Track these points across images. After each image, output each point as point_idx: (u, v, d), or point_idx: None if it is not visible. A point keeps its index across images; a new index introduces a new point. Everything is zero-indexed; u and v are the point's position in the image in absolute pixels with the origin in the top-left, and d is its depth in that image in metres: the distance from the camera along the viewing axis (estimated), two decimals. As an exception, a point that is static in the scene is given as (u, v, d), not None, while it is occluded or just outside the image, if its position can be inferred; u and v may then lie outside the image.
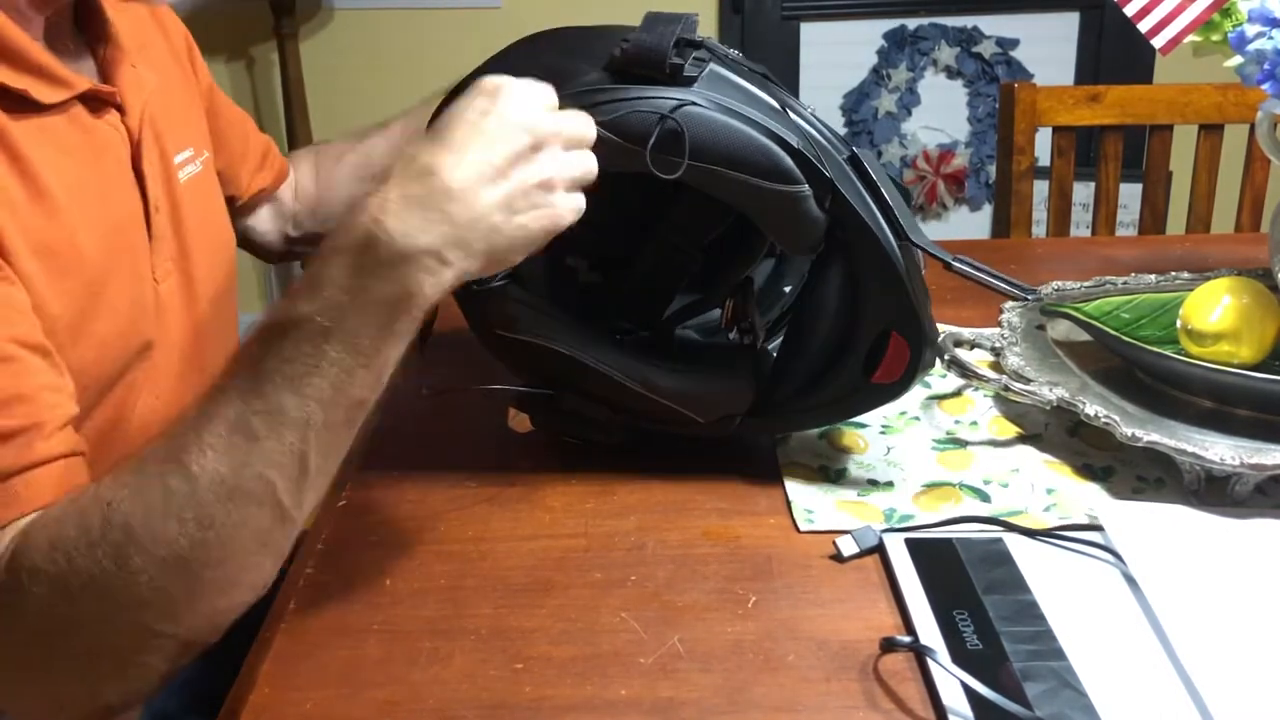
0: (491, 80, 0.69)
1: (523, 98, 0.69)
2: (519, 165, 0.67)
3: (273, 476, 0.64)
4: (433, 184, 0.64)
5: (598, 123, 0.76)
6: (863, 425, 0.93)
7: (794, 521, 0.81)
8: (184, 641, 0.65)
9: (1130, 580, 0.74)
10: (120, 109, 0.84)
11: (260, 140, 1.13)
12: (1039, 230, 1.81)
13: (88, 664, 0.64)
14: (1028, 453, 0.89)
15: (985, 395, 0.97)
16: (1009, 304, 1.03)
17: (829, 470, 0.87)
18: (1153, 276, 1.09)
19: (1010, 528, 0.79)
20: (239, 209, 1.11)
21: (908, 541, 0.77)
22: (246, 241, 1.14)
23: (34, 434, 0.66)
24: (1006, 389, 0.90)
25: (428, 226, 0.64)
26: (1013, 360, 0.94)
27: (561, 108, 0.76)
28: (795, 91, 2.74)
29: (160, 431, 0.66)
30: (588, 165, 0.72)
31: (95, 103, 0.81)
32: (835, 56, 2.81)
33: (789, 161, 0.76)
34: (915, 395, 0.98)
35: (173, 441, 0.64)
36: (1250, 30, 0.90)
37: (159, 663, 0.65)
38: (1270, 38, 0.88)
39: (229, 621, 0.66)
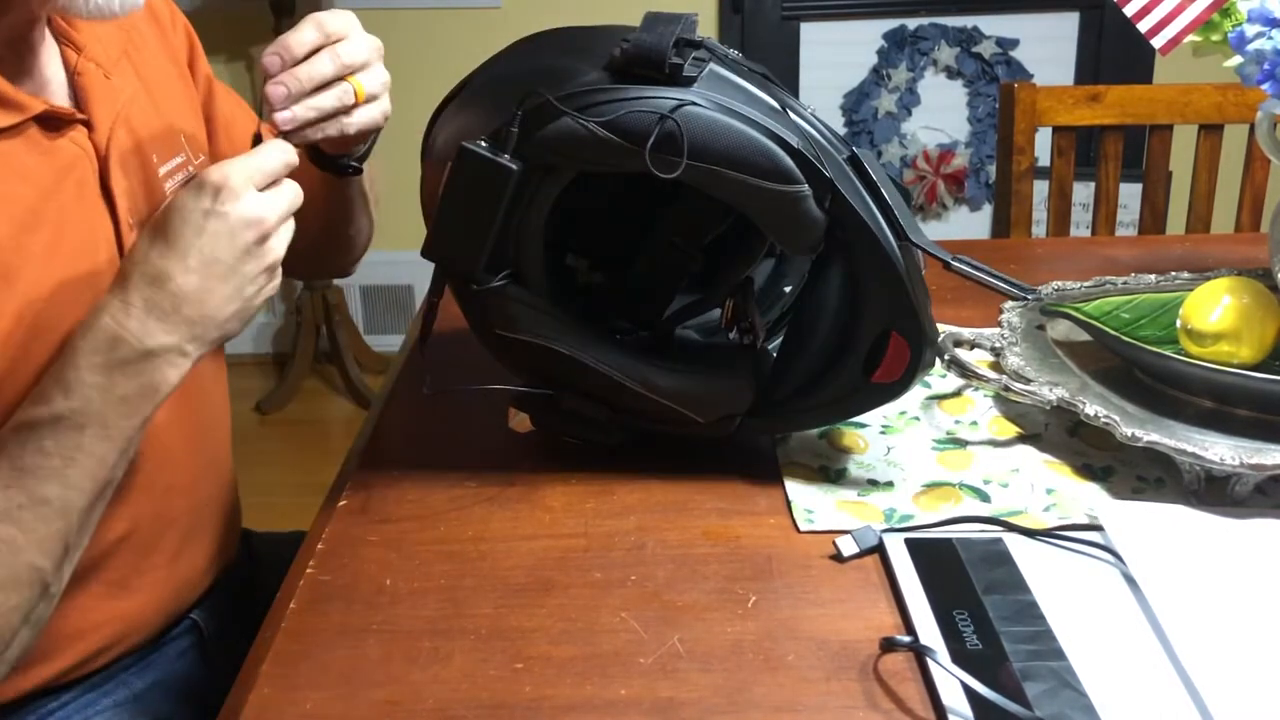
0: (215, 175, 0.71)
1: (244, 195, 0.72)
2: (247, 260, 0.72)
3: (41, 563, 0.69)
4: (167, 289, 0.70)
5: (598, 123, 0.76)
6: (863, 425, 0.93)
7: (794, 521, 0.81)
8: None
9: (1130, 580, 0.74)
10: (88, 124, 0.81)
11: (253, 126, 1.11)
12: (1039, 230, 1.81)
13: None
14: (1028, 453, 0.89)
15: (985, 395, 0.97)
16: (1009, 304, 1.03)
17: (829, 470, 0.87)
18: (1153, 276, 1.09)
19: (1010, 528, 0.79)
20: None
21: (908, 541, 0.77)
22: None
23: None
24: (1006, 389, 0.90)
25: (167, 328, 0.71)
26: (1013, 360, 0.94)
27: (561, 107, 0.76)
28: (795, 91, 2.75)
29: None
30: (296, 204, 0.77)
31: (55, 122, 0.79)
32: (835, 56, 2.81)
33: (789, 161, 0.76)
34: (915, 395, 0.98)
35: None
36: (1250, 30, 0.90)
37: None
38: (1270, 38, 0.88)
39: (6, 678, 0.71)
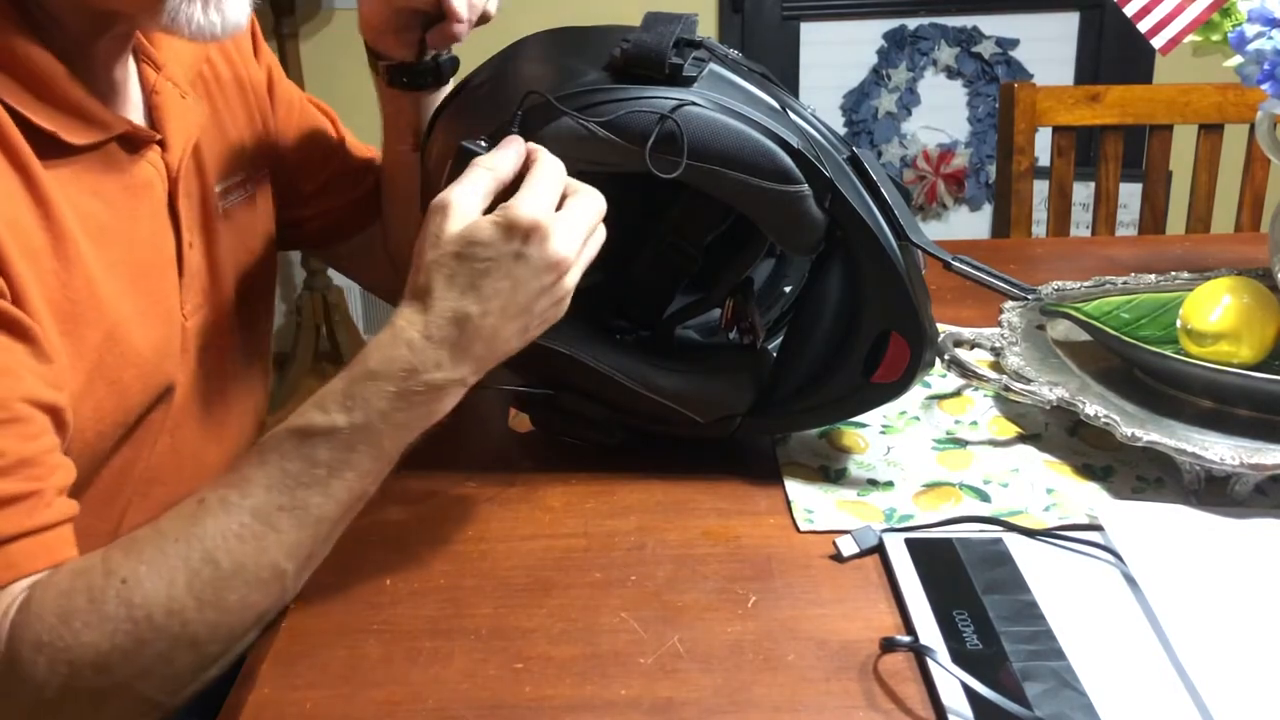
0: (526, 216, 0.68)
1: (553, 235, 0.69)
2: (542, 298, 0.71)
3: (286, 566, 0.69)
4: (467, 329, 0.69)
5: (598, 123, 0.76)
6: (863, 425, 0.93)
7: (794, 521, 0.81)
8: (172, 706, 0.69)
9: (1130, 580, 0.74)
10: (163, 144, 0.82)
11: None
12: (1039, 230, 1.81)
13: None
14: (1028, 453, 0.89)
15: (985, 395, 0.97)
16: (1009, 304, 1.03)
17: (829, 470, 0.87)
18: (1153, 276, 1.09)
19: (1010, 528, 0.79)
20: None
21: (908, 541, 0.77)
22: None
23: (37, 499, 0.67)
24: (1006, 389, 0.90)
25: (459, 363, 0.70)
26: (1013, 360, 0.94)
27: (561, 107, 0.76)
28: (795, 91, 2.74)
29: (175, 510, 0.69)
30: (600, 243, 0.74)
31: (134, 141, 0.79)
32: (835, 56, 2.81)
33: (789, 161, 0.76)
34: (915, 395, 0.98)
35: (195, 525, 0.67)
36: (1250, 30, 0.90)
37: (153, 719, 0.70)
38: (1270, 38, 0.88)
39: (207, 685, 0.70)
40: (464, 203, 0.70)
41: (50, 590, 0.66)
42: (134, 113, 0.82)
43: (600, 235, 0.74)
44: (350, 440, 0.68)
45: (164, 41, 0.85)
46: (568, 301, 0.73)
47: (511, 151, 0.73)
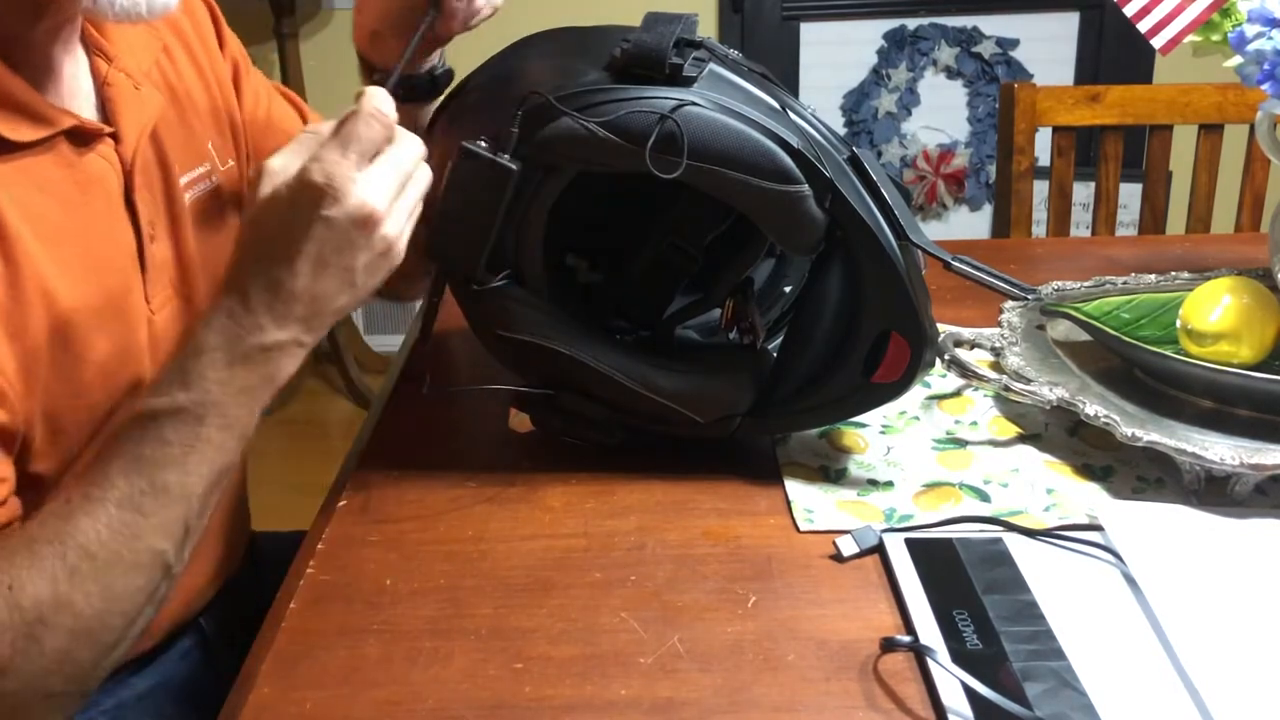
0: (317, 175, 0.69)
1: (348, 194, 0.69)
2: (358, 254, 0.71)
3: (162, 546, 0.70)
4: (281, 293, 0.70)
5: (598, 123, 0.76)
6: (863, 425, 0.93)
7: (794, 521, 0.81)
8: (81, 694, 0.70)
9: (1130, 580, 0.74)
10: (115, 137, 0.80)
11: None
12: (1039, 230, 1.81)
13: None
14: (1028, 453, 0.89)
15: (985, 395, 0.97)
16: (1009, 304, 1.03)
17: (829, 470, 0.87)
18: (1153, 276, 1.09)
19: (1010, 528, 0.79)
20: None
21: (908, 541, 0.77)
22: None
23: None
24: (1006, 389, 0.90)
25: (284, 325, 0.71)
26: (1013, 360, 0.94)
27: (561, 107, 0.76)
28: (795, 91, 2.74)
29: (45, 510, 0.69)
30: (423, 188, 0.75)
31: (84, 136, 0.78)
32: (835, 56, 2.81)
33: (788, 161, 0.76)
34: (915, 395, 0.98)
35: (65, 524, 0.68)
36: (1250, 30, 0.90)
37: (58, 717, 0.71)
38: (1270, 38, 0.88)
39: (115, 667, 0.72)
40: (273, 168, 0.71)
41: None
42: (84, 106, 0.80)
43: (421, 180, 0.74)
44: (196, 415, 0.69)
45: (115, 33, 0.84)
46: (399, 249, 0.73)
47: (337, 116, 0.73)
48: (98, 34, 0.83)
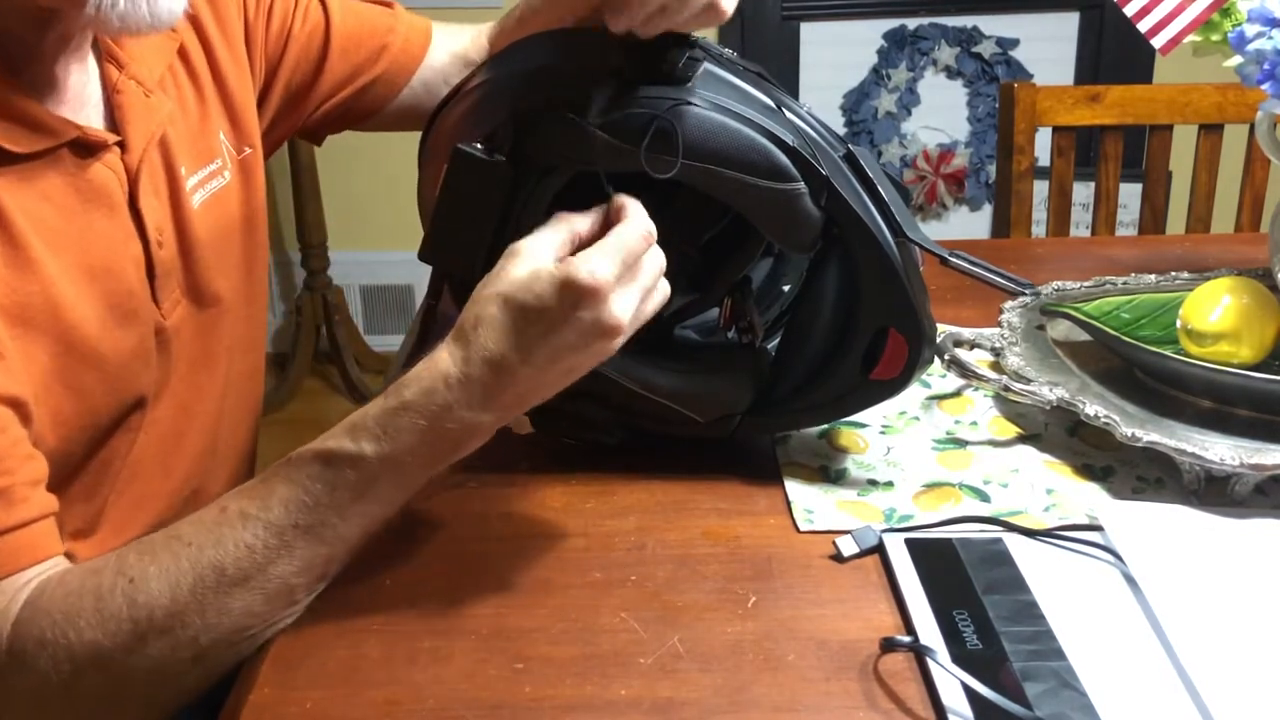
0: (585, 277, 0.66)
1: (608, 301, 0.67)
2: (588, 359, 0.70)
3: (297, 582, 0.70)
4: (502, 378, 0.68)
5: (594, 124, 0.76)
6: (863, 425, 0.93)
7: (794, 521, 0.81)
8: (173, 707, 0.70)
9: (1130, 580, 0.74)
10: (123, 145, 0.80)
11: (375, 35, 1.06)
12: (1039, 230, 1.81)
13: None
14: (1028, 453, 0.89)
15: (985, 395, 0.97)
16: (1009, 304, 1.03)
17: (829, 470, 0.87)
18: (1153, 276, 1.09)
19: (1010, 528, 0.79)
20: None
21: (908, 541, 0.77)
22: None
23: (9, 496, 0.67)
24: (1006, 389, 0.90)
25: (488, 406, 0.69)
26: (1013, 360, 0.94)
27: (555, 107, 0.76)
28: (795, 92, 2.75)
29: (197, 515, 0.69)
30: (655, 307, 0.72)
31: (89, 146, 0.78)
32: (835, 56, 2.81)
33: (784, 159, 0.76)
34: (915, 395, 0.98)
35: (209, 532, 0.68)
36: (1250, 30, 0.90)
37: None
38: (1270, 38, 0.88)
39: (209, 687, 0.71)
40: (534, 250, 0.70)
41: (60, 589, 0.67)
42: (92, 115, 0.80)
43: (659, 296, 0.72)
44: (376, 470, 0.69)
45: (128, 40, 0.83)
46: (605, 358, 0.72)
47: (597, 212, 0.73)
48: (111, 41, 0.82)
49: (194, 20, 0.91)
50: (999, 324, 1.01)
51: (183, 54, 0.90)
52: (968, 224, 2.91)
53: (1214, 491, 0.82)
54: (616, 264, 0.68)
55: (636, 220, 0.71)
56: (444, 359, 0.69)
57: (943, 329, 0.94)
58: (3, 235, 0.71)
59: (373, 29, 1.05)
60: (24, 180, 0.73)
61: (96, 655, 0.65)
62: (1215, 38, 0.99)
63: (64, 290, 0.75)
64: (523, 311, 0.68)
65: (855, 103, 2.84)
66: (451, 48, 1.09)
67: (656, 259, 0.72)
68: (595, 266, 0.67)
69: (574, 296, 0.67)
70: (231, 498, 0.70)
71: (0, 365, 0.69)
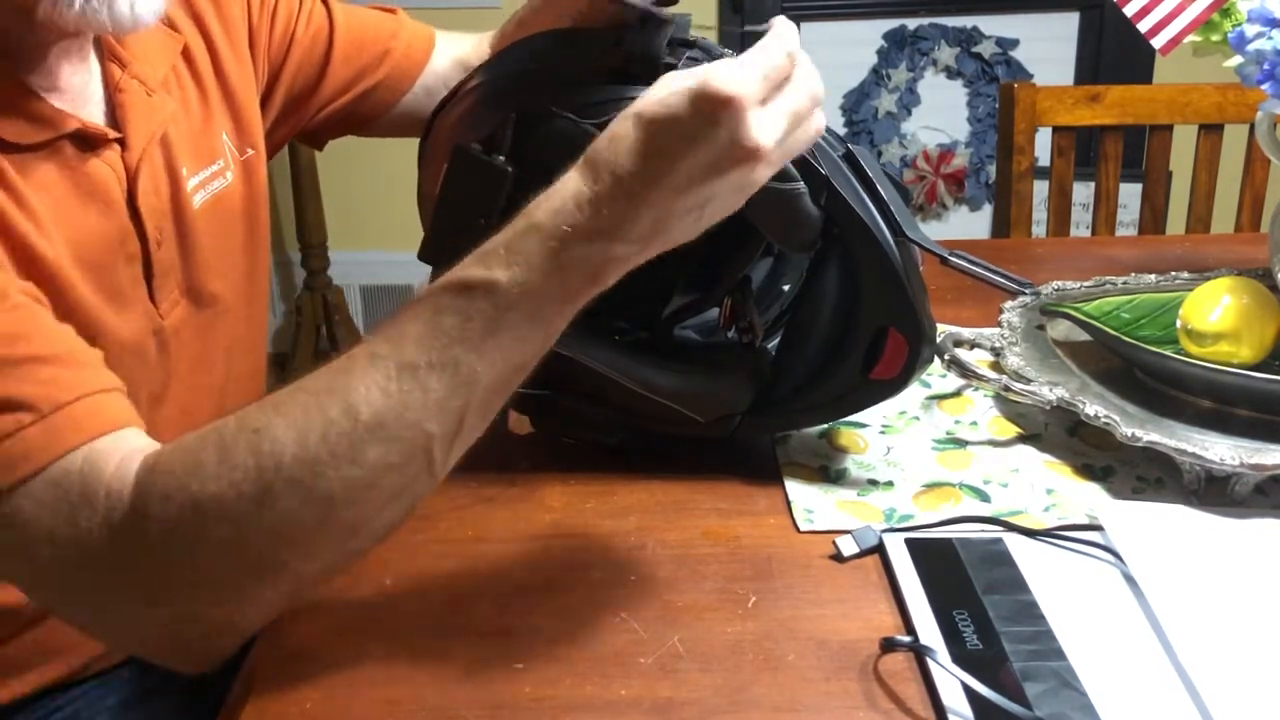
0: (723, 89, 0.60)
1: (747, 116, 0.61)
2: (723, 185, 0.64)
3: (432, 428, 0.63)
4: (636, 198, 0.63)
5: (593, 124, 0.76)
6: (863, 425, 0.93)
7: (794, 521, 0.81)
8: (302, 579, 0.65)
9: (1130, 580, 0.74)
10: (123, 143, 0.80)
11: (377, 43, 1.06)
12: (1039, 230, 1.81)
13: (205, 590, 0.64)
14: (1028, 453, 0.89)
15: (985, 395, 0.97)
16: (1009, 304, 1.03)
17: (829, 470, 0.87)
18: (1153, 276, 1.09)
19: (1010, 528, 0.79)
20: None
21: (908, 541, 0.77)
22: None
23: (74, 359, 0.66)
24: (1006, 389, 0.90)
25: (624, 233, 0.63)
26: (1013, 360, 0.94)
27: (556, 109, 0.75)
28: (795, 91, 2.73)
29: (323, 366, 0.65)
30: (808, 141, 0.67)
31: (90, 140, 0.78)
32: (835, 56, 2.80)
33: None
34: (915, 395, 0.98)
35: (339, 378, 0.63)
36: (1250, 30, 0.90)
37: (274, 597, 0.65)
38: (1270, 38, 0.87)
39: (344, 567, 0.66)
40: (675, 74, 0.64)
41: (177, 449, 0.64)
42: (94, 112, 0.80)
43: (814, 128, 0.66)
44: (508, 297, 0.63)
45: (131, 39, 0.83)
46: (745, 197, 0.66)
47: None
48: (113, 41, 0.83)
49: (199, 21, 0.92)
50: (999, 324, 1.01)
51: (187, 54, 0.90)
52: (968, 224, 2.91)
53: (1214, 491, 0.82)
54: (758, 77, 0.62)
55: (784, 36, 0.64)
56: (573, 178, 0.64)
57: (943, 329, 0.94)
58: (19, 202, 0.71)
59: (376, 34, 1.05)
60: (23, 171, 0.73)
61: (223, 506, 0.61)
62: (1215, 38, 0.99)
63: (68, 269, 0.75)
64: (655, 125, 0.62)
65: (855, 103, 2.84)
66: (454, 53, 1.09)
67: (808, 83, 0.65)
68: (733, 76, 0.60)
69: (709, 107, 0.60)
70: (360, 344, 0.65)
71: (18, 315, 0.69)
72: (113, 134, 0.80)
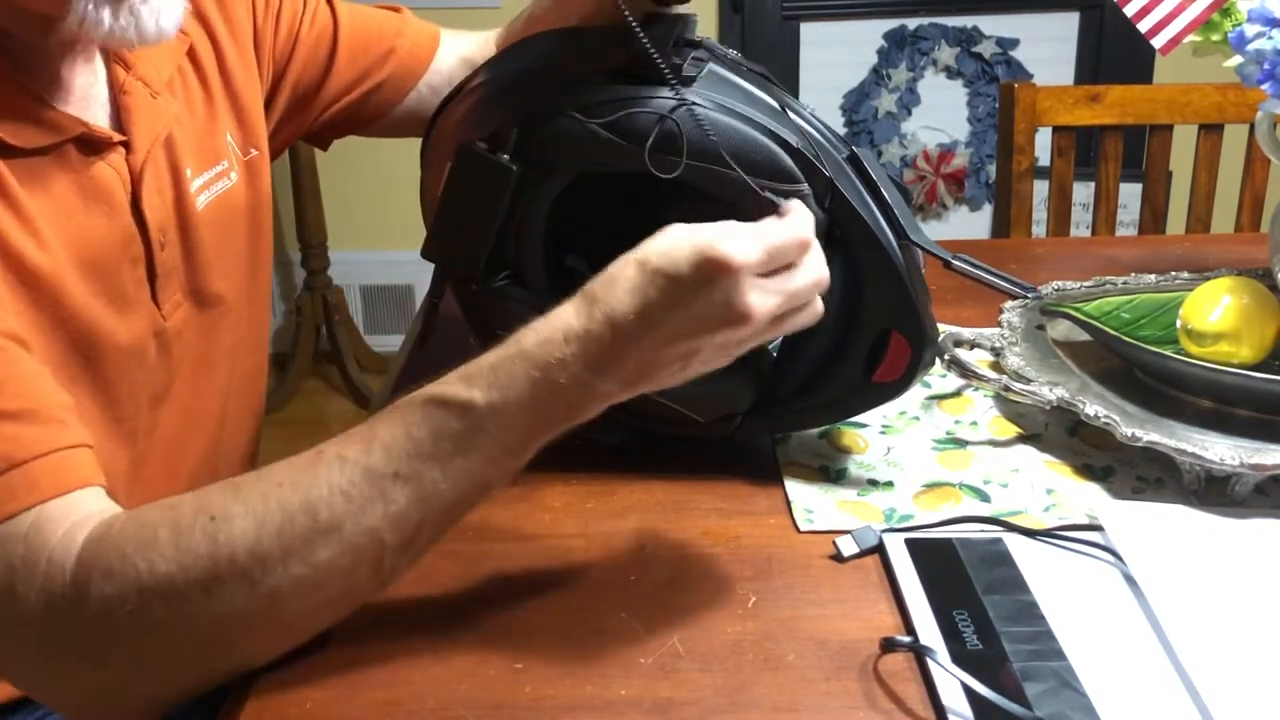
0: (722, 254, 0.63)
1: (741, 285, 0.64)
2: (710, 344, 0.66)
3: (387, 538, 0.65)
4: (624, 347, 0.64)
5: (597, 123, 0.76)
6: (863, 425, 0.93)
7: (794, 521, 0.81)
8: (237, 662, 0.67)
9: (1130, 580, 0.74)
10: (127, 145, 0.80)
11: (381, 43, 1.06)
12: (1039, 230, 1.81)
13: (138, 667, 0.65)
14: (1028, 453, 0.89)
15: (985, 395, 0.97)
16: (1009, 304, 1.03)
17: (829, 470, 0.87)
18: (1153, 276, 1.09)
19: (1010, 528, 0.79)
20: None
21: (908, 541, 0.77)
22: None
23: (38, 416, 0.66)
24: (1006, 389, 0.90)
25: (607, 373, 0.65)
26: (1013, 360, 0.94)
27: (561, 108, 0.75)
28: (795, 91, 2.75)
29: (290, 459, 0.66)
30: (798, 326, 0.69)
31: (94, 143, 0.78)
32: (835, 56, 2.81)
33: (788, 160, 0.76)
34: (915, 395, 0.98)
35: (304, 474, 0.64)
36: (1250, 30, 0.90)
37: (208, 675, 0.67)
38: (1270, 38, 0.88)
39: (280, 654, 0.67)
40: (682, 227, 0.66)
41: (131, 523, 0.64)
42: (98, 114, 0.80)
43: (812, 312, 0.69)
44: (483, 420, 0.64)
45: None
46: (722, 363, 0.68)
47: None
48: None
49: (203, 22, 0.92)
50: (999, 324, 1.01)
51: (192, 55, 0.90)
52: (968, 224, 2.91)
53: (1214, 491, 0.82)
54: (760, 250, 0.64)
55: (794, 223, 0.67)
56: (567, 311, 0.65)
57: (943, 329, 0.94)
58: (16, 211, 0.71)
59: (380, 33, 1.05)
60: (28, 174, 0.73)
61: (169, 589, 0.62)
62: (1215, 38, 0.99)
63: (66, 276, 0.75)
64: (655, 275, 0.64)
65: (855, 103, 2.84)
66: (460, 51, 1.09)
67: (813, 271, 0.67)
68: (738, 244, 0.63)
69: (710, 269, 0.63)
70: (331, 443, 0.66)
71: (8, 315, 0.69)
72: (117, 137, 0.80)
